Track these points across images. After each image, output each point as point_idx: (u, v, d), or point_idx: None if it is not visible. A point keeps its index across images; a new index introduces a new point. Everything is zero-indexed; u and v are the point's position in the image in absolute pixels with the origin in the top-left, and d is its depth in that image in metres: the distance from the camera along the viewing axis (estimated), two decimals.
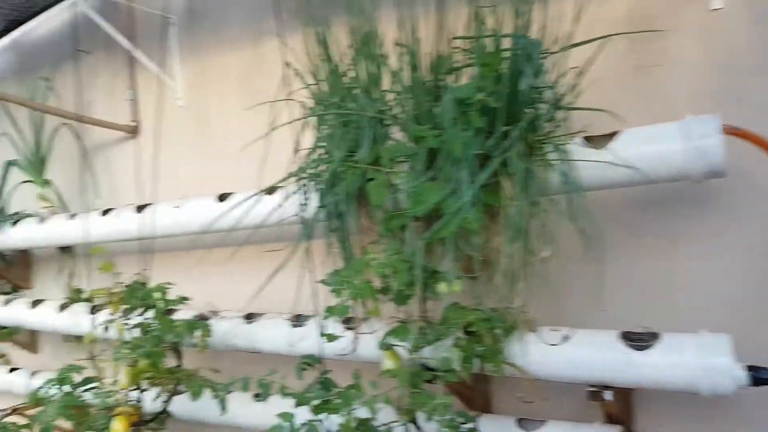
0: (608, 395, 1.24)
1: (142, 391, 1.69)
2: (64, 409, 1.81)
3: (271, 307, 1.85)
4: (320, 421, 1.38)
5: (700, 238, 1.33)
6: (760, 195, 1.27)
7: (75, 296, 2.34)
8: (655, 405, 1.37)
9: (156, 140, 2.09)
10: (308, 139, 1.48)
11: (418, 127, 1.22)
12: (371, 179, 1.31)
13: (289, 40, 1.90)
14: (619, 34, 1.29)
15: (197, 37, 2.17)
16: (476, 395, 1.49)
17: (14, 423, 2.08)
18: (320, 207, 1.37)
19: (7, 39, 2.62)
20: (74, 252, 2.43)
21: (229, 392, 1.56)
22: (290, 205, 1.52)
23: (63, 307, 2.27)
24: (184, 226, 1.90)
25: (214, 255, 1.96)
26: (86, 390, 1.89)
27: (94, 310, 2.17)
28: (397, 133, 1.38)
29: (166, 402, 1.83)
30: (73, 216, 2.18)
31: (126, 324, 1.62)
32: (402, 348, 1.35)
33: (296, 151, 1.43)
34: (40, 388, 1.90)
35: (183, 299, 1.68)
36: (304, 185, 1.43)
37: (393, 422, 1.36)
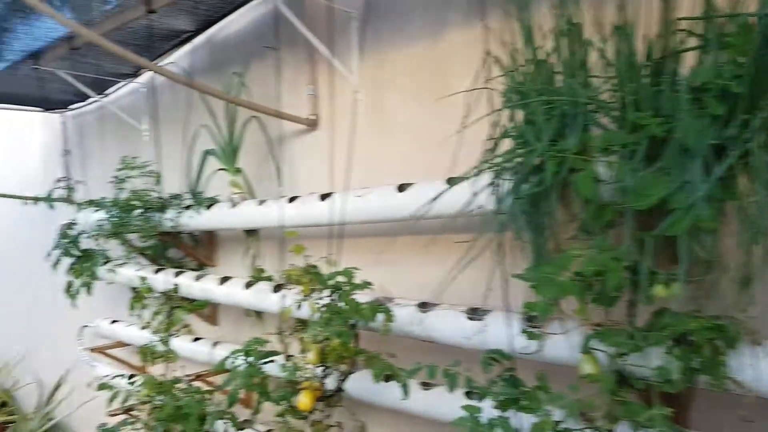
0: None
1: (327, 368, 1.78)
2: (248, 378, 1.98)
3: (444, 298, 1.87)
4: (509, 417, 1.36)
5: None
6: None
7: (259, 275, 2.54)
8: None
9: (337, 132, 2.20)
10: (496, 129, 1.45)
11: (639, 114, 1.13)
12: (576, 170, 1.25)
13: (479, 27, 1.91)
14: None
15: (377, 30, 2.23)
16: (680, 410, 1.37)
17: (198, 388, 2.32)
18: (516, 198, 1.34)
19: (202, 37, 2.91)
20: (259, 235, 2.64)
21: (411, 378, 1.60)
22: (473, 195, 1.50)
23: (248, 284, 2.48)
24: (365, 214, 1.97)
25: (390, 243, 2.01)
26: (267, 362, 2.05)
27: (278, 288, 2.35)
28: (604, 122, 1.31)
29: (343, 380, 1.93)
30: (261, 202, 2.36)
31: (316, 303, 1.72)
32: (602, 353, 1.29)
33: (493, 140, 1.41)
34: (227, 358, 2.08)
35: (367, 284, 1.74)
36: (497, 175, 1.41)
37: (586, 428, 1.29)
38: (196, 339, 2.96)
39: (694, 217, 1.01)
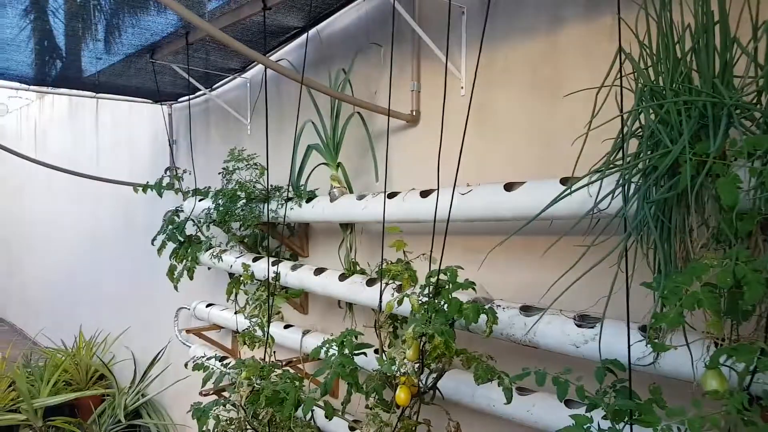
0: None
1: (425, 366, 1.79)
2: (341, 368, 2.01)
3: (545, 303, 1.83)
4: (620, 430, 1.31)
5: None
6: None
7: (353, 268, 2.59)
8: None
9: (439, 129, 2.19)
10: (624, 128, 1.40)
11: None
12: (715, 175, 1.18)
13: (597, 22, 1.85)
14: None
15: (487, 25, 2.22)
16: None
17: (295, 374, 2.39)
18: (648, 202, 1.28)
19: (312, 33, 3.00)
20: (354, 228, 2.69)
21: (515, 383, 1.57)
22: (592, 197, 1.45)
23: (342, 277, 2.54)
24: (468, 212, 1.96)
25: (491, 242, 1.98)
26: (359, 354, 2.08)
27: (371, 282, 2.39)
28: (747, 125, 1.23)
29: (437, 379, 1.93)
30: (361, 197, 2.40)
31: (419, 300, 1.73)
32: (729, 369, 1.21)
33: (620, 140, 1.36)
34: (320, 347, 2.14)
35: (470, 284, 1.73)
36: (624, 177, 1.35)
37: None
38: (287, 326, 3.07)
39: None
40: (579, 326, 1.62)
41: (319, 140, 2.62)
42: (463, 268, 1.80)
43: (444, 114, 2.31)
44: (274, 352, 2.76)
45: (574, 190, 1.34)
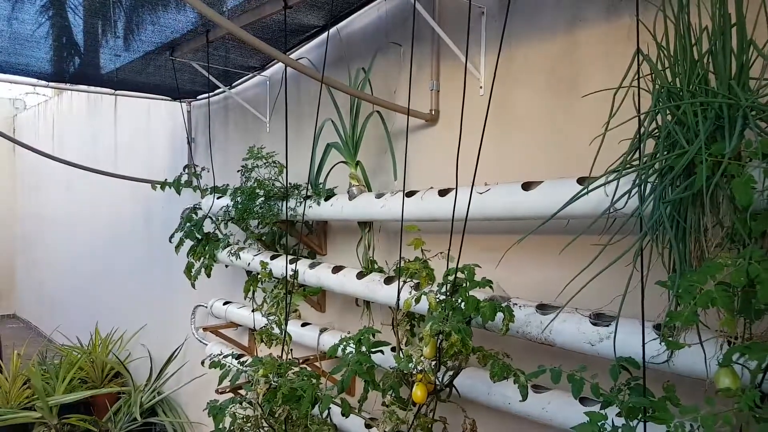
0: None
1: (442, 363, 1.86)
2: (358, 366, 2.09)
3: (561, 302, 1.89)
4: (635, 427, 1.36)
5: None
6: None
7: (371, 266, 2.67)
8: None
9: (457, 128, 2.26)
10: (640, 129, 1.45)
11: None
12: (731, 175, 1.23)
13: (616, 23, 1.90)
14: None
15: (507, 25, 2.27)
16: None
17: (312, 371, 2.47)
18: (664, 202, 1.33)
19: (332, 32, 3.08)
20: (372, 227, 2.76)
21: (530, 381, 1.63)
22: (609, 197, 1.50)
23: (360, 275, 2.61)
24: (486, 211, 2.02)
25: (508, 241, 2.04)
26: (376, 352, 2.15)
27: (389, 280, 2.46)
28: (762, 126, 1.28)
29: (453, 376, 1.99)
30: (379, 195, 2.48)
31: (437, 298, 1.80)
32: (742, 367, 1.26)
33: (636, 140, 1.41)
34: (338, 345, 2.21)
35: (487, 282, 1.79)
36: (641, 177, 1.41)
37: None
38: (305, 324, 3.15)
39: None
40: (594, 324, 1.67)
41: (339, 138, 2.69)
42: (480, 267, 1.86)
43: (463, 113, 2.38)
44: (291, 349, 2.84)
45: (591, 190, 1.40)
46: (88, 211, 6.85)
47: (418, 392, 1.84)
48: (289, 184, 2.99)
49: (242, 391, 2.91)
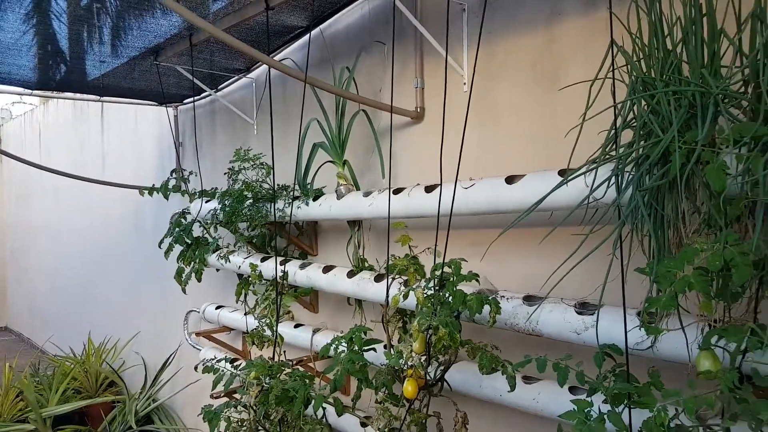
0: None
1: (431, 357, 1.89)
2: (351, 365, 2.11)
3: (548, 292, 1.93)
4: (620, 413, 1.40)
5: None
6: None
7: (361, 265, 2.70)
8: None
9: (442, 125, 2.30)
10: (617, 119, 1.49)
11: None
12: (705, 162, 1.27)
13: (595, 16, 1.94)
14: None
15: (486, 21, 2.31)
16: None
17: (304, 372, 2.50)
18: (640, 191, 1.37)
19: (315, 32, 3.11)
20: (362, 225, 2.79)
21: (518, 371, 1.67)
22: (589, 187, 1.54)
23: (350, 273, 2.64)
24: (471, 206, 2.05)
25: (495, 234, 2.08)
26: (369, 350, 2.18)
27: (379, 278, 2.49)
28: (734, 113, 1.32)
29: (444, 370, 2.02)
30: (367, 194, 2.51)
31: (424, 293, 1.83)
32: (722, 350, 1.30)
33: (613, 131, 1.45)
34: (330, 344, 2.24)
35: (474, 276, 1.82)
36: (618, 167, 1.44)
37: (701, 426, 1.31)
38: (298, 325, 3.18)
39: None
40: (579, 314, 1.71)
41: (325, 138, 2.72)
42: (467, 261, 1.89)
43: (447, 110, 2.41)
44: (284, 351, 2.86)
45: (568, 181, 1.44)
46: (78, 220, 6.86)
47: (409, 387, 1.87)
48: (277, 185, 3.02)
49: (237, 395, 2.93)
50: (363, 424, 2.61)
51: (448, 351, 1.85)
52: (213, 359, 3.03)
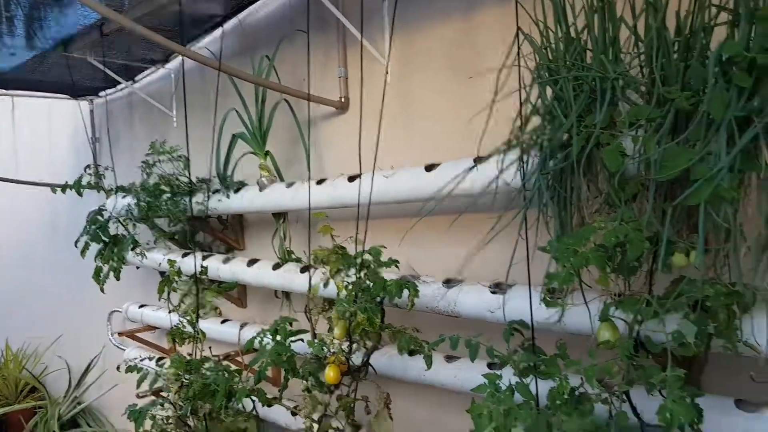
0: None
1: (352, 343, 1.89)
2: (277, 356, 2.09)
3: (471, 275, 1.96)
4: (528, 384, 1.44)
5: None
6: None
7: (286, 257, 2.66)
8: None
9: (364, 115, 2.29)
10: (525, 106, 1.53)
11: (667, 88, 1.20)
12: (604, 144, 1.32)
13: (511, 5, 1.97)
14: None
15: (405, 11, 2.31)
16: (694, 372, 1.45)
17: (226, 366, 2.44)
18: (542, 174, 1.41)
19: (232, 21, 3.03)
20: (287, 217, 2.75)
21: (434, 350, 1.69)
22: (500, 172, 1.58)
23: (276, 266, 2.59)
24: (392, 194, 2.06)
25: (420, 223, 2.09)
26: (296, 341, 2.16)
27: (305, 269, 2.46)
28: (633, 97, 1.38)
29: (368, 355, 2.03)
30: (290, 185, 2.47)
31: (343, 281, 1.82)
32: (621, 321, 1.36)
33: (521, 117, 1.48)
34: (255, 337, 2.20)
35: (393, 261, 1.83)
36: (524, 152, 1.48)
37: (603, 392, 1.37)
38: (225, 321, 3.10)
39: (715, 187, 1.08)
40: (494, 293, 1.76)
41: (245, 129, 2.66)
42: (386, 248, 1.90)
43: (370, 99, 2.41)
44: (210, 347, 2.79)
45: (474, 167, 1.46)
46: None
47: (331, 373, 1.86)
48: (197, 177, 2.92)
49: (165, 393, 2.84)
50: (293, 414, 2.58)
51: (369, 335, 1.85)
52: (136, 359, 2.92)
